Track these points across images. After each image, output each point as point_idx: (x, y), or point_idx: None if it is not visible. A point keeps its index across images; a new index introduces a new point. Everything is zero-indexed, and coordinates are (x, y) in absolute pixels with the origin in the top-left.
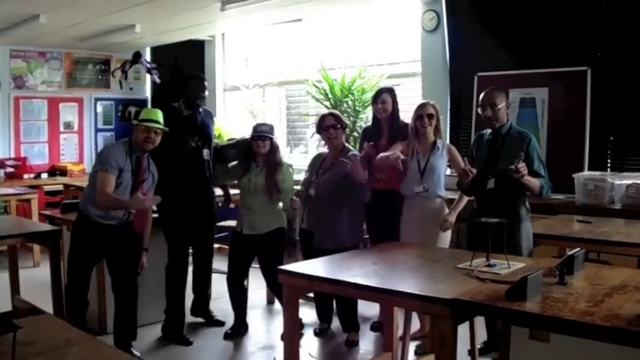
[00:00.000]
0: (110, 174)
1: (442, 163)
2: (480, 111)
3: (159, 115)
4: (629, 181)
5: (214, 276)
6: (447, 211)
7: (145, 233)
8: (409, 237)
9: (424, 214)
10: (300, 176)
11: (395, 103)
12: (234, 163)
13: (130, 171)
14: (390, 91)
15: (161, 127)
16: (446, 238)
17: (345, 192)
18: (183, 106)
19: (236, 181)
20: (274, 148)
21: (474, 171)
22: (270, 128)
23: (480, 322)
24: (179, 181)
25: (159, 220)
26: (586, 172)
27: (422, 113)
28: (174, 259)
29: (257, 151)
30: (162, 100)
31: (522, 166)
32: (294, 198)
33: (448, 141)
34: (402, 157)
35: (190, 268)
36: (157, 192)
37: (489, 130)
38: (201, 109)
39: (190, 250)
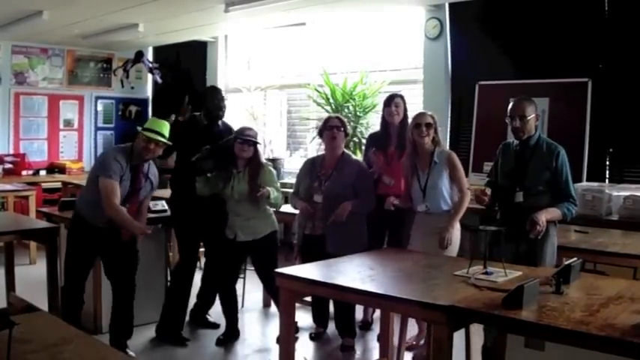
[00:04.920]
0: (114, 180)
1: (443, 176)
2: (507, 121)
3: (163, 128)
4: (627, 193)
5: None
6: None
7: (139, 229)
8: (417, 248)
9: (429, 231)
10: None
11: (405, 109)
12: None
13: (129, 179)
14: (402, 97)
15: (162, 140)
16: (452, 251)
17: (354, 198)
18: (203, 117)
19: (217, 191)
20: (257, 153)
21: (489, 193)
22: (256, 134)
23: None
24: (194, 187)
25: (172, 222)
26: (584, 183)
27: (419, 122)
28: (185, 262)
29: (239, 154)
30: (164, 100)
31: (541, 227)
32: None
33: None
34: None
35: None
36: (173, 195)
37: (517, 142)
38: (220, 122)
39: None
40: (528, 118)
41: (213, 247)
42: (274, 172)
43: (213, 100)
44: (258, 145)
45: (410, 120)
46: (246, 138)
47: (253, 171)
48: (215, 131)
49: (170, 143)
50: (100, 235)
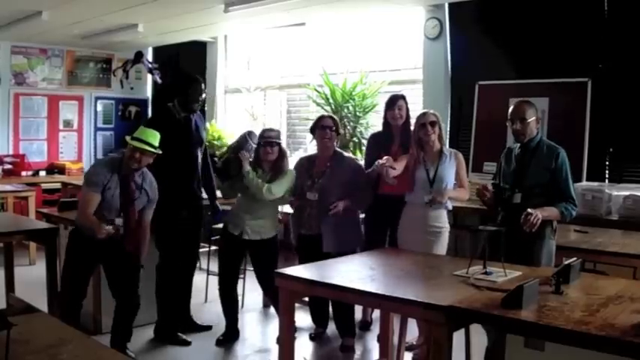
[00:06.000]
0: (92, 192)
1: (451, 172)
2: (508, 124)
3: (151, 137)
4: (627, 193)
5: (211, 278)
6: (446, 221)
7: (142, 251)
8: (406, 243)
9: (425, 222)
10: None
11: (407, 110)
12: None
13: (117, 188)
14: (404, 98)
15: (149, 149)
16: (442, 246)
17: (350, 195)
18: (178, 108)
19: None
20: (282, 155)
21: (490, 189)
22: (278, 134)
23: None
24: (169, 183)
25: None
26: (584, 183)
27: (424, 122)
28: (163, 261)
29: (265, 158)
30: (163, 101)
31: (534, 217)
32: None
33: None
34: (387, 163)
35: None
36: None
37: (519, 145)
38: (196, 114)
39: None
40: (529, 120)
41: (190, 245)
42: (292, 177)
43: (194, 92)
44: (282, 147)
45: (412, 120)
46: (268, 140)
47: (274, 176)
48: (192, 123)
49: (159, 152)
50: (101, 248)
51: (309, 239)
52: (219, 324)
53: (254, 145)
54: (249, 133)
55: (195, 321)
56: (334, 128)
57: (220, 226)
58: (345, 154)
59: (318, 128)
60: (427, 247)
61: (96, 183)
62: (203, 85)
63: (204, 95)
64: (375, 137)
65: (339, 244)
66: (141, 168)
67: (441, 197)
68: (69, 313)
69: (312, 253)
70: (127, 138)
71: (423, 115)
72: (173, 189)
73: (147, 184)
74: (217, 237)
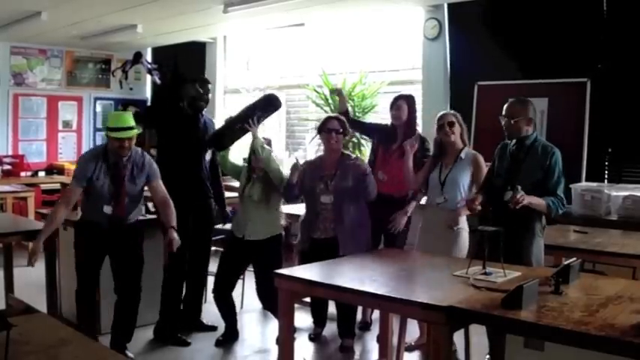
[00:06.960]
0: (74, 186)
1: (465, 174)
2: (500, 119)
3: (127, 120)
4: (626, 193)
5: (210, 279)
6: (464, 222)
7: (171, 220)
8: (425, 245)
9: (440, 224)
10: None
11: (411, 111)
12: (244, 166)
13: (108, 177)
14: (407, 99)
15: (133, 133)
16: (462, 249)
17: (359, 194)
18: (187, 107)
19: (238, 183)
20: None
21: (480, 200)
22: (269, 142)
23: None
24: (177, 181)
25: (156, 221)
26: (583, 183)
27: (442, 123)
28: (172, 260)
29: (255, 165)
30: (162, 101)
31: (521, 196)
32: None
33: None
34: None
35: None
36: None
37: (515, 140)
38: (203, 113)
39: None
40: (516, 119)
41: (199, 246)
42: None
43: (199, 90)
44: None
45: (418, 120)
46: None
47: (266, 176)
48: (199, 122)
49: (140, 130)
50: (105, 235)
51: (323, 243)
52: (219, 324)
53: (265, 114)
54: (267, 99)
55: (202, 320)
56: (341, 130)
57: (220, 226)
58: (351, 154)
59: (324, 131)
60: (446, 248)
61: (78, 177)
62: (209, 86)
63: (209, 94)
64: (382, 130)
65: (354, 246)
66: (129, 152)
67: (455, 223)
68: (85, 310)
69: (327, 257)
70: (105, 131)
71: (443, 116)
72: (178, 189)
73: (147, 163)
74: (219, 237)
